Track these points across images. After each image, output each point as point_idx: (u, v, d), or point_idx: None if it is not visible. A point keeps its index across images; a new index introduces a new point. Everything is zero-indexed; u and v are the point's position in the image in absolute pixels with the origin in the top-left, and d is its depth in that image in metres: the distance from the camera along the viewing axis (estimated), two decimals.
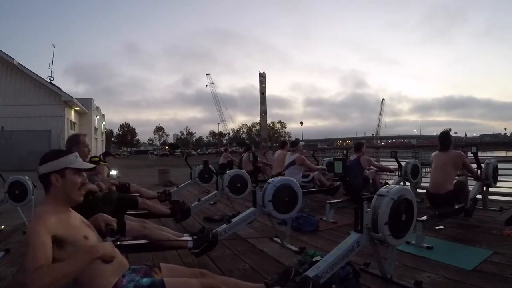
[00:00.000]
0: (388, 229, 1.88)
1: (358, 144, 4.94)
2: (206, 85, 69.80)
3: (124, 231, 2.20)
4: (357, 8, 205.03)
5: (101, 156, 4.37)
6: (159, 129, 78.16)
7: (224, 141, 72.72)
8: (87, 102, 25.09)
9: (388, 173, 5.63)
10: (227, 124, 73.61)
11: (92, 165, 1.46)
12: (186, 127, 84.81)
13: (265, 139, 54.39)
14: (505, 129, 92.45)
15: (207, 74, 70.13)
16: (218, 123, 74.10)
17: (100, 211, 1.61)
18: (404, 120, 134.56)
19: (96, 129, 29.05)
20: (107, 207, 2.50)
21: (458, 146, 8.00)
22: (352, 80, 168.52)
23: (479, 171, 4.16)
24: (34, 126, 17.52)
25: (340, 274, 1.90)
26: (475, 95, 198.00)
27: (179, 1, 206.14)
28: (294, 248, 2.86)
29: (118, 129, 71.78)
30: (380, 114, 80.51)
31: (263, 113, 55.43)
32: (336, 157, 4.58)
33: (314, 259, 2.04)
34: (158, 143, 77.40)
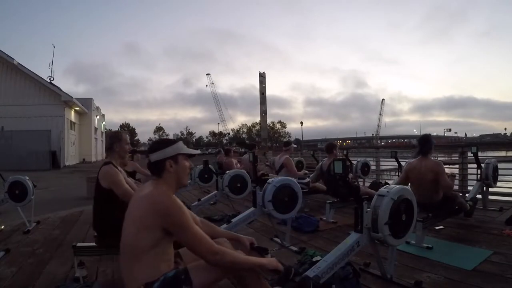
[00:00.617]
0: (388, 229, 1.88)
1: (331, 145, 4.55)
2: (206, 85, 69.89)
3: None
4: (357, 8, 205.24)
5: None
6: (159, 129, 78.19)
7: (224, 141, 72.73)
8: (87, 102, 25.11)
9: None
10: (227, 124, 73.70)
11: (199, 151, 1.69)
12: (186, 127, 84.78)
13: (265, 139, 54.41)
14: (505, 129, 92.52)
15: (207, 74, 70.21)
16: (218, 123, 74.17)
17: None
18: (404, 120, 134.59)
19: (96, 129, 29.05)
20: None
21: (458, 146, 7.98)
22: (352, 80, 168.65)
23: (479, 171, 4.17)
24: (34, 126, 17.53)
25: (340, 274, 1.90)
26: (475, 95, 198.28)
27: (179, 1, 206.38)
28: (294, 248, 2.85)
29: (118, 129, 71.80)
30: (380, 114, 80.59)
31: (263, 113, 55.47)
32: (336, 157, 4.58)
33: (314, 259, 2.04)
34: None
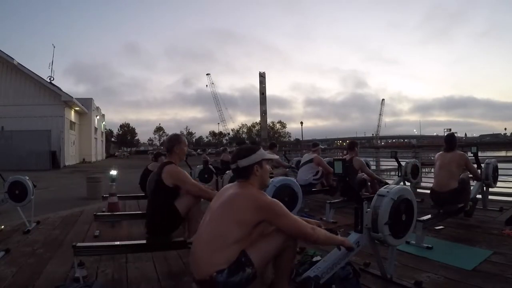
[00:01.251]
0: (388, 229, 1.88)
1: (352, 143, 4.79)
2: (206, 85, 69.71)
3: None
4: (357, 8, 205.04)
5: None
6: (159, 129, 78.20)
7: (224, 141, 72.71)
8: (87, 102, 25.12)
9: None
10: (227, 124, 73.59)
11: (276, 156, 1.81)
12: (186, 127, 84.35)
13: (265, 139, 54.36)
14: (505, 129, 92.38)
15: (207, 74, 70.06)
16: (218, 123, 74.11)
17: None
18: (404, 120, 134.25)
19: (96, 129, 29.06)
20: None
21: (458, 146, 7.96)
22: (352, 80, 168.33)
23: (479, 171, 4.17)
24: (34, 126, 17.53)
25: (340, 274, 1.90)
26: (475, 95, 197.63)
27: (179, 1, 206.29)
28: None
29: (118, 129, 71.85)
30: (380, 114, 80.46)
31: (263, 113, 55.46)
32: (336, 157, 4.58)
33: (314, 259, 2.04)
34: (158, 143, 77.38)
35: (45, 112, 18.66)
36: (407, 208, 1.99)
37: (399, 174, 5.26)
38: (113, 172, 4.79)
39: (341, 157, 3.99)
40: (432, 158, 3.50)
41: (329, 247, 2.35)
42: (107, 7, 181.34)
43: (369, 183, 4.73)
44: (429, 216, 3.08)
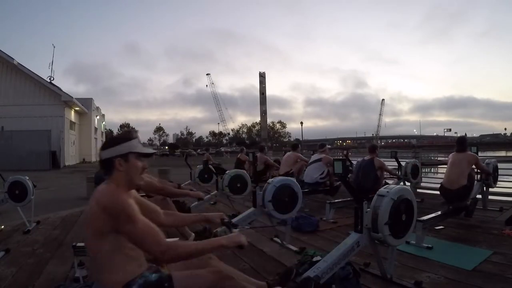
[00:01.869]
0: (388, 229, 1.88)
1: (373, 146, 5.07)
2: (206, 85, 69.74)
3: None
4: (357, 8, 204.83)
5: None
6: (159, 129, 78.12)
7: (224, 141, 72.73)
8: (87, 102, 25.09)
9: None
10: (227, 124, 73.58)
11: (154, 151, 1.52)
12: (186, 127, 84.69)
13: (265, 139, 54.43)
14: (505, 129, 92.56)
15: (207, 74, 70.09)
16: (218, 123, 74.09)
17: None
18: (404, 120, 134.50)
19: (96, 129, 29.05)
20: None
21: None
22: (352, 80, 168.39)
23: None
24: (34, 126, 17.51)
25: (340, 274, 1.90)
26: (475, 95, 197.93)
27: (179, 1, 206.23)
28: (294, 248, 2.86)
29: (118, 129, 71.68)
30: (380, 114, 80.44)
31: (263, 113, 55.49)
32: (336, 157, 4.58)
33: (314, 259, 2.04)
34: (158, 143, 77.35)
35: (45, 112, 18.65)
36: (407, 208, 1.99)
37: (399, 174, 5.26)
38: None
39: (341, 157, 4.00)
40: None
41: (330, 247, 2.36)
42: (107, 7, 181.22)
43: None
44: (429, 216, 3.08)
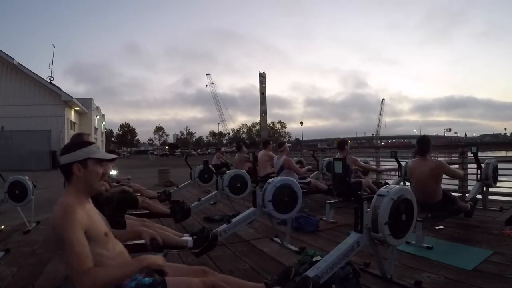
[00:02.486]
0: (388, 229, 1.88)
1: (342, 142, 4.68)
2: (206, 85, 69.78)
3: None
4: (357, 8, 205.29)
5: None
6: (159, 129, 78.15)
7: (224, 141, 72.71)
8: (87, 102, 25.08)
9: (375, 173, 5.54)
10: (227, 124, 73.64)
11: (114, 156, 1.48)
12: (186, 127, 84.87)
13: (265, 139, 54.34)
14: (505, 129, 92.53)
15: (207, 74, 70.11)
16: (218, 123, 74.13)
17: (101, 211, 1.63)
18: (404, 120, 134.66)
19: (96, 129, 29.04)
20: (108, 207, 2.50)
21: (458, 146, 7.99)
22: (353, 80, 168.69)
23: (479, 171, 4.17)
24: (34, 126, 17.52)
25: (340, 274, 1.90)
26: (475, 95, 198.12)
27: (179, 1, 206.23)
28: (294, 248, 2.86)
29: (118, 129, 71.84)
30: (380, 114, 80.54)
31: (263, 113, 55.39)
32: (336, 157, 4.58)
33: (314, 259, 2.04)
34: (158, 143, 77.40)
35: (45, 112, 18.65)
36: (407, 208, 1.99)
37: (399, 174, 5.25)
38: (113, 172, 4.79)
39: (341, 157, 3.96)
40: (432, 158, 3.39)
41: (330, 247, 2.36)
42: (107, 7, 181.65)
43: (367, 188, 4.72)
44: (429, 216, 3.07)
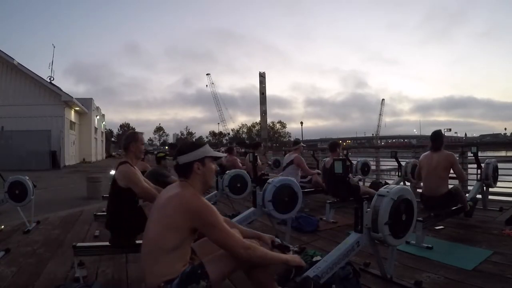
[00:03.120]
0: (388, 229, 1.88)
1: (334, 144, 4.59)
2: (206, 85, 69.80)
3: None
4: (357, 9, 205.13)
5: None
6: (159, 129, 78.16)
7: (224, 141, 72.66)
8: (87, 102, 25.07)
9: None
10: (227, 124, 73.64)
11: (224, 154, 1.69)
12: (186, 127, 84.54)
13: (265, 139, 54.35)
14: (505, 129, 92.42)
15: (207, 74, 70.13)
16: (218, 123, 74.13)
17: None
18: (404, 120, 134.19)
19: (96, 129, 29.04)
20: None
21: (458, 146, 7.99)
22: (353, 80, 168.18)
23: (479, 171, 4.17)
24: (34, 126, 17.49)
25: (340, 274, 1.90)
26: (475, 95, 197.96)
27: (179, 1, 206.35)
28: (294, 248, 2.85)
29: (118, 129, 71.74)
30: (380, 114, 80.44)
31: (263, 113, 55.44)
32: (336, 157, 4.58)
33: (314, 259, 2.05)
34: (158, 143, 77.34)
35: (45, 112, 18.62)
36: (407, 208, 1.99)
37: (399, 174, 5.26)
38: (113, 172, 4.78)
39: (341, 157, 3.95)
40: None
41: (330, 247, 2.36)
42: (107, 7, 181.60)
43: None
44: (429, 216, 3.08)
